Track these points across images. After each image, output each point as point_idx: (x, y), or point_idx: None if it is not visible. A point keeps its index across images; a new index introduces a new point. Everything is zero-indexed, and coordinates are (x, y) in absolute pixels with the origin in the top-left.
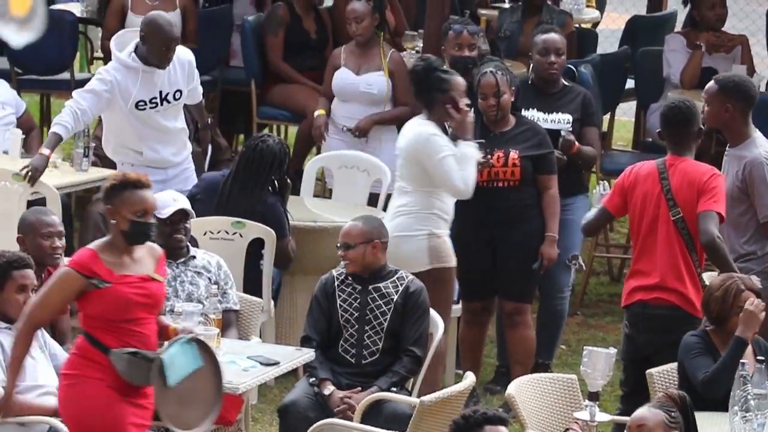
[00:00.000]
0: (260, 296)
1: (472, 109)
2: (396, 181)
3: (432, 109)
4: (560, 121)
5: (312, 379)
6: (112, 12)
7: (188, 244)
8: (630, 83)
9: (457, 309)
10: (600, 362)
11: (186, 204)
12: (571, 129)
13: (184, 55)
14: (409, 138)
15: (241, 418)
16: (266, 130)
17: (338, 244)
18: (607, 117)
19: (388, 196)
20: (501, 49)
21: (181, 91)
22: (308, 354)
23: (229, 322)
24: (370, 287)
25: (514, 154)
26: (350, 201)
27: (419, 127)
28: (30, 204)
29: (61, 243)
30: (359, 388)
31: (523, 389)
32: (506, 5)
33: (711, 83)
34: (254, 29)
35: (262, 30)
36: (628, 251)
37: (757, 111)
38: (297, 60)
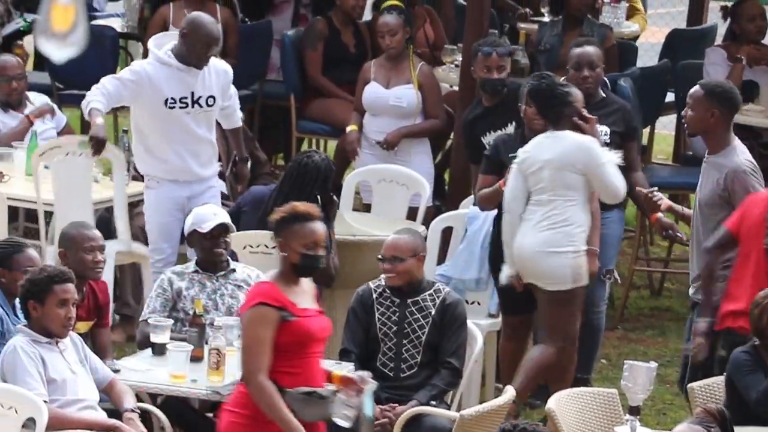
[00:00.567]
0: None
1: (515, 122)
2: (534, 195)
3: (559, 123)
4: (599, 133)
5: None
6: (153, 26)
7: (228, 257)
8: (670, 96)
9: (496, 323)
10: (641, 376)
11: (226, 218)
12: (608, 141)
13: (221, 65)
14: (566, 148)
15: None
16: (305, 144)
17: (383, 257)
18: (647, 130)
19: (428, 210)
20: (541, 63)
21: (214, 98)
22: (348, 367)
23: None
24: (409, 301)
25: None
26: (389, 215)
27: (577, 138)
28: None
29: (102, 257)
30: (397, 404)
31: (563, 403)
32: (546, 19)
33: (696, 88)
34: (294, 44)
35: (301, 44)
36: (668, 265)
37: None
38: (336, 74)
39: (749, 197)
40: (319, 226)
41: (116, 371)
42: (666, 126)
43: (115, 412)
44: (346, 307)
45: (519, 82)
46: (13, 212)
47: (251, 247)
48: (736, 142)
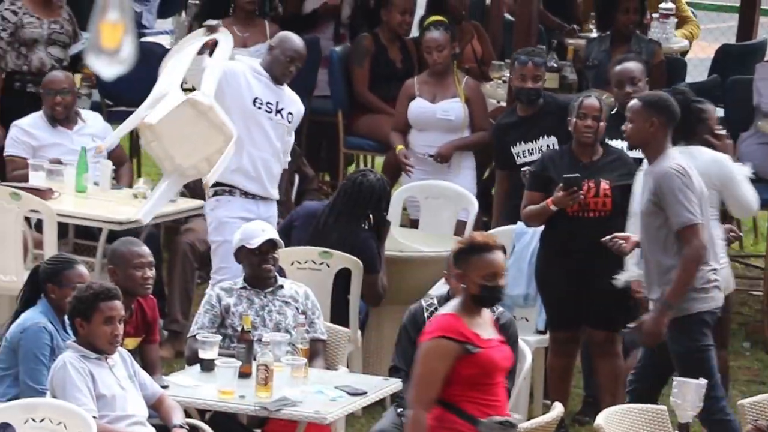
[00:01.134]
0: (347, 326)
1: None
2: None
3: (692, 139)
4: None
5: (400, 410)
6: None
7: (276, 273)
8: (720, 112)
9: (544, 339)
10: (690, 393)
11: (274, 234)
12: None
13: (299, 102)
14: (704, 162)
15: None
16: (353, 163)
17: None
18: None
19: (476, 225)
20: (589, 79)
21: (292, 114)
22: (395, 384)
23: (317, 351)
24: None
25: (605, 184)
26: (437, 230)
27: (712, 153)
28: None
29: (151, 273)
30: None
31: (612, 420)
32: (594, 35)
33: (634, 101)
34: (341, 60)
35: (348, 60)
36: None
37: None
38: (383, 90)
39: None
40: (499, 256)
41: (165, 387)
42: None
43: (163, 428)
44: (394, 322)
45: (555, 96)
46: (62, 228)
47: (299, 263)
48: (671, 151)
